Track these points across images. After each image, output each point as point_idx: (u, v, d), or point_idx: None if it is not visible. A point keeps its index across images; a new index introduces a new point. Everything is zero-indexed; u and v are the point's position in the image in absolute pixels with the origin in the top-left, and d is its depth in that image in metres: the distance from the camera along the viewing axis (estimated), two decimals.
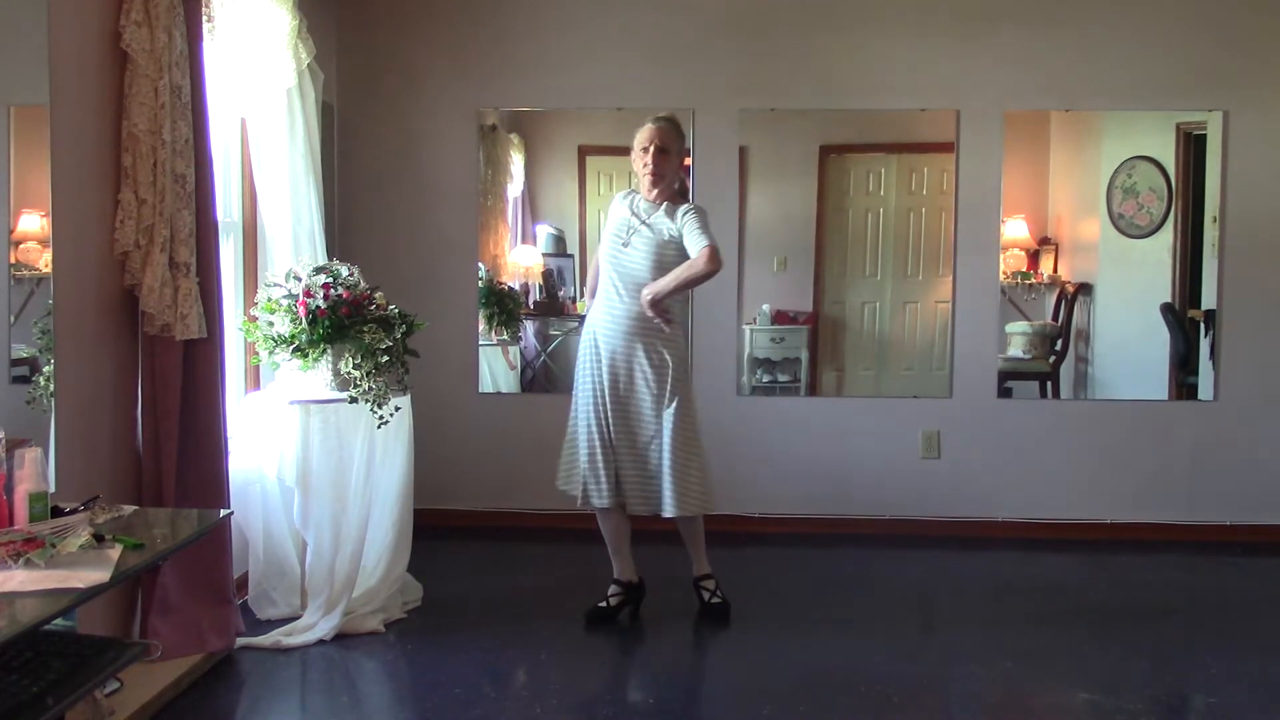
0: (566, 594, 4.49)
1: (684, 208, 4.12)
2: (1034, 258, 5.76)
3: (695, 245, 4.03)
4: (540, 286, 5.92)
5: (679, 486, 4.08)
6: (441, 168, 5.60)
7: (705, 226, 4.05)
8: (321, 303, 3.97)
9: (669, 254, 4.08)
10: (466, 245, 5.63)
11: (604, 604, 4.27)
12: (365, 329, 3.99)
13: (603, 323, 4.16)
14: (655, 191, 4.15)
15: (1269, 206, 5.42)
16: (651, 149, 4.13)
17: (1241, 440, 5.50)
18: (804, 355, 5.78)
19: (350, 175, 5.55)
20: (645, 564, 4.40)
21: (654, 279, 4.04)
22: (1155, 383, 5.72)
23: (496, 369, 5.83)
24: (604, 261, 4.19)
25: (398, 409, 4.10)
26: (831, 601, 4.60)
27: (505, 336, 5.85)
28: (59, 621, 2.33)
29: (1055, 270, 5.77)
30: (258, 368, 4.52)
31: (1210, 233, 5.51)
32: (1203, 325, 5.56)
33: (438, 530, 5.21)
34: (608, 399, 4.13)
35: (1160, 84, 5.43)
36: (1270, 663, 3.96)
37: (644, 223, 4.13)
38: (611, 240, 4.17)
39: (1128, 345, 5.79)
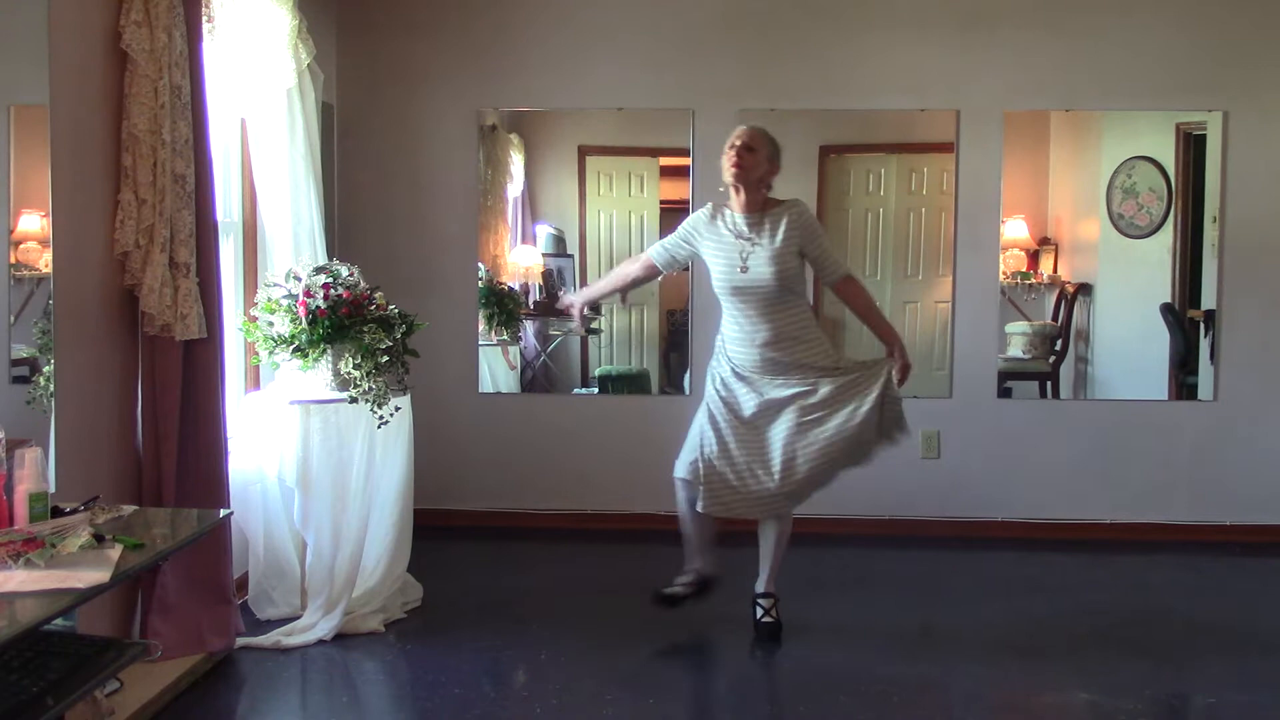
0: (566, 594, 4.49)
1: (793, 217, 3.97)
2: (1034, 258, 5.76)
3: (836, 274, 4.06)
4: (540, 286, 5.92)
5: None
6: (441, 168, 5.59)
7: (830, 247, 4.07)
8: (321, 303, 3.97)
9: (790, 264, 3.95)
10: (466, 245, 5.63)
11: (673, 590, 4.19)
12: (365, 329, 3.99)
13: (742, 350, 4.02)
14: (744, 199, 3.97)
15: (1269, 206, 5.42)
16: (738, 145, 3.96)
17: (1241, 440, 5.49)
18: None
19: (350, 175, 5.55)
20: (652, 563, 4.40)
21: (779, 289, 3.93)
22: (1155, 383, 5.72)
23: (496, 369, 5.83)
24: (724, 291, 4.00)
25: (398, 409, 4.10)
26: (831, 601, 4.60)
27: (505, 336, 5.85)
28: (59, 621, 2.34)
29: (1055, 270, 5.77)
30: (258, 368, 4.51)
31: (1210, 233, 5.51)
32: (1203, 325, 5.56)
33: (438, 530, 5.20)
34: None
35: (1160, 84, 5.43)
36: (1270, 663, 3.96)
37: (753, 240, 3.95)
38: (725, 271, 3.97)
39: (1128, 345, 5.79)
